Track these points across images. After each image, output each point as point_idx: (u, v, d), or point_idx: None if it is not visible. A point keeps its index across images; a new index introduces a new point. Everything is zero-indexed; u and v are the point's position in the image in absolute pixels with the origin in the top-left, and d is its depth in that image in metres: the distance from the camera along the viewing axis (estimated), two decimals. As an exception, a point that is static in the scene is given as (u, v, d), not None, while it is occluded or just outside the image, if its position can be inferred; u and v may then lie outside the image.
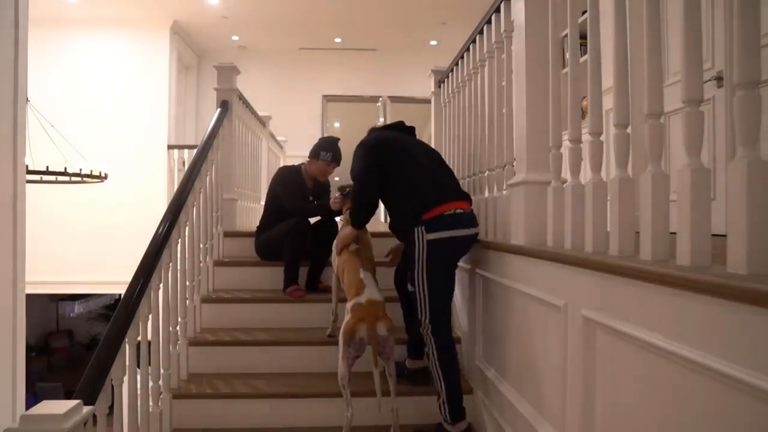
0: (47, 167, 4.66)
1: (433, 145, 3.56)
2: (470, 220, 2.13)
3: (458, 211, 2.07)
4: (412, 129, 2.45)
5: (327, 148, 3.10)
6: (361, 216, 2.30)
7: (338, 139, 3.20)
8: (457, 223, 2.07)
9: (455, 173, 2.88)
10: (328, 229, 3.06)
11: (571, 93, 1.53)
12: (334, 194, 2.93)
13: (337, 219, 3.09)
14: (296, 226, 2.89)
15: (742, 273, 0.87)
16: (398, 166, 2.16)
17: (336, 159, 3.12)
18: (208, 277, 2.89)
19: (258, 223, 3.17)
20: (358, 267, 2.20)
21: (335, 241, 2.44)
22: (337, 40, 7.04)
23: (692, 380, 0.93)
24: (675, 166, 1.43)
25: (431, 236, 2.01)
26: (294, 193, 3.03)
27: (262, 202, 3.28)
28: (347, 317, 2.06)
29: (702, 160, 1.02)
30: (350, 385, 2.00)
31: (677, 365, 0.97)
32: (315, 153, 3.11)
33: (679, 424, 0.99)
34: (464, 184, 2.68)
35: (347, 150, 3.27)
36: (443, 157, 3.25)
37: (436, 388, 2.03)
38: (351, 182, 2.96)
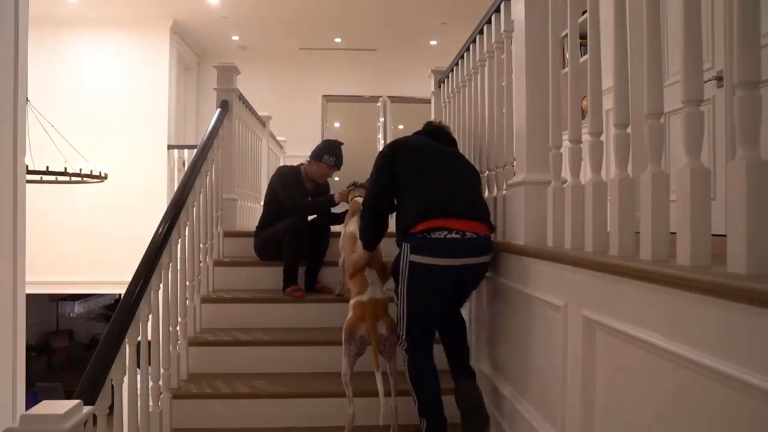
0: (47, 167, 4.66)
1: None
2: (471, 247, 1.85)
3: (452, 235, 1.81)
4: (451, 140, 2.21)
5: (331, 153, 3.09)
6: (366, 233, 2.11)
7: (342, 144, 3.18)
8: (445, 250, 1.82)
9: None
10: (323, 229, 3.06)
11: (571, 93, 1.53)
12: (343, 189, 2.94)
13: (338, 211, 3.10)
14: (296, 223, 2.89)
15: (742, 273, 0.87)
16: (407, 175, 1.97)
17: (338, 164, 3.11)
18: (208, 277, 2.88)
19: (257, 223, 3.17)
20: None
21: (347, 263, 2.29)
22: (337, 40, 7.04)
23: (692, 380, 0.93)
24: (675, 166, 1.42)
25: (414, 258, 1.85)
26: (294, 192, 3.03)
27: (262, 202, 3.28)
28: (349, 314, 2.07)
29: (702, 160, 1.02)
30: (352, 383, 2.00)
31: (677, 365, 0.97)
32: (318, 155, 3.10)
33: (679, 423, 0.99)
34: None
35: (349, 148, 3.28)
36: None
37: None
38: (355, 179, 2.99)
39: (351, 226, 2.53)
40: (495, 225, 2.15)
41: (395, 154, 2.02)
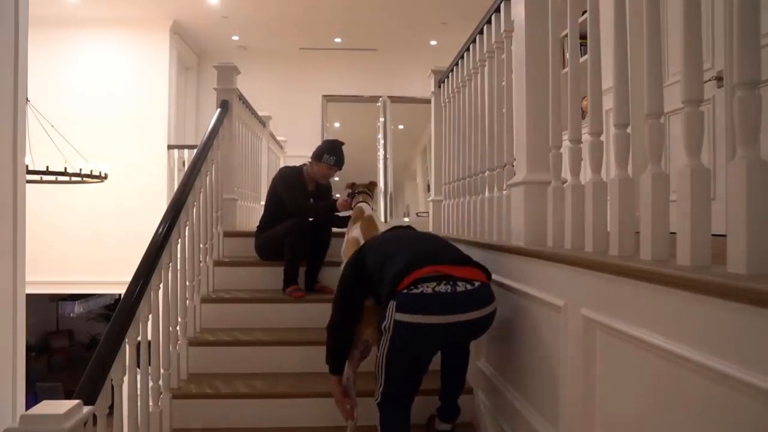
0: (47, 167, 4.66)
1: (432, 146, 3.57)
2: (465, 301, 1.63)
3: (441, 287, 1.61)
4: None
5: (331, 152, 3.09)
6: (329, 352, 1.94)
7: (343, 143, 3.18)
8: (433, 305, 1.60)
9: (455, 174, 2.90)
10: (324, 230, 3.07)
11: (571, 93, 1.53)
12: (344, 194, 2.96)
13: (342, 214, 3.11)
14: (297, 224, 2.89)
15: (742, 273, 0.87)
16: (378, 256, 1.82)
17: (339, 163, 3.11)
18: (208, 277, 2.88)
19: (258, 223, 3.17)
20: None
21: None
22: (337, 40, 7.04)
23: (692, 380, 0.93)
24: (675, 166, 1.43)
25: (399, 316, 1.62)
26: (297, 194, 3.03)
27: (262, 202, 3.28)
28: None
29: (702, 160, 1.02)
30: (355, 386, 2.00)
31: (677, 365, 0.97)
32: (318, 155, 3.10)
33: (679, 424, 0.99)
34: (464, 184, 2.67)
35: (349, 149, 3.28)
36: (443, 157, 3.29)
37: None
38: (357, 180, 3.03)
39: (354, 232, 2.55)
40: (494, 224, 2.16)
41: (361, 257, 1.91)
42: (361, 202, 2.88)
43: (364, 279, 1.86)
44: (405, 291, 1.64)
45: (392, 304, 1.65)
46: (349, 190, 2.98)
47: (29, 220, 2.77)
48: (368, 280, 1.85)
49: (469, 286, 1.66)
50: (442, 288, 1.62)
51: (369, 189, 2.99)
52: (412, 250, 1.78)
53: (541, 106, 1.75)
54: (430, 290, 1.62)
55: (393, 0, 5.86)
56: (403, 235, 1.99)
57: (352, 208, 2.91)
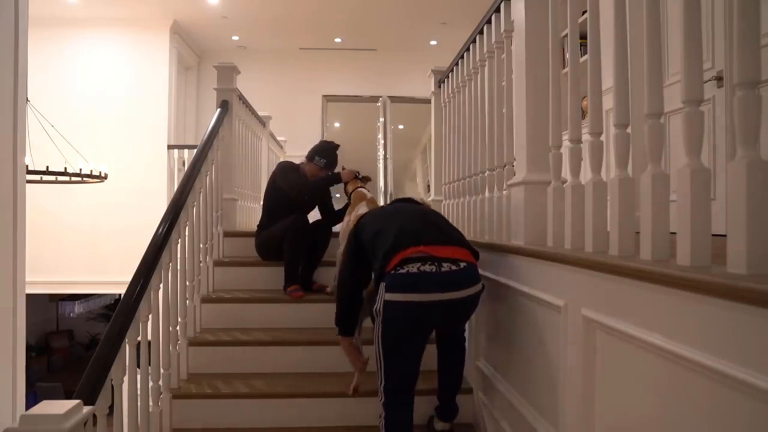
0: (47, 167, 4.66)
1: (432, 145, 3.57)
2: (450, 280, 1.68)
3: (426, 267, 1.66)
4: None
5: (323, 154, 3.11)
6: (339, 315, 1.98)
7: (337, 146, 3.19)
8: (419, 284, 1.66)
9: (455, 173, 2.90)
10: (323, 229, 3.07)
11: (571, 93, 1.53)
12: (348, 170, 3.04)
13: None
14: (297, 223, 2.89)
15: (742, 273, 0.87)
16: (373, 232, 1.87)
17: (329, 166, 3.12)
18: (208, 277, 2.89)
19: (258, 222, 3.17)
20: None
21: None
22: (337, 40, 7.04)
23: (692, 380, 0.93)
24: (675, 166, 1.43)
25: (388, 296, 1.68)
26: (294, 180, 3.03)
27: (263, 202, 3.28)
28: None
29: (702, 160, 1.02)
30: (361, 341, 2.06)
31: (677, 365, 0.97)
32: (311, 156, 3.14)
33: (679, 424, 0.99)
34: (464, 184, 2.67)
35: (349, 148, 3.29)
36: (443, 157, 3.29)
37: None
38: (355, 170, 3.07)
39: (361, 210, 2.58)
40: (495, 224, 2.16)
41: (358, 230, 1.96)
42: (360, 187, 2.93)
43: (362, 250, 1.92)
44: (392, 272, 1.70)
45: (382, 286, 1.72)
46: (356, 172, 3.06)
47: (29, 220, 2.77)
48: (366, 253, 1.90)
49: (453, 267, 1.71)
50: (427, 268, 1.68)
51: (364, 181, 3.06)
52: (401, 228, 1.81)
53: (541, 106, 1.75)
54: (415, 270, 1.68)
55: (393, 0, 5.86)
56: (398, 209, 2.01)
57: (347, 192, 2.99)
